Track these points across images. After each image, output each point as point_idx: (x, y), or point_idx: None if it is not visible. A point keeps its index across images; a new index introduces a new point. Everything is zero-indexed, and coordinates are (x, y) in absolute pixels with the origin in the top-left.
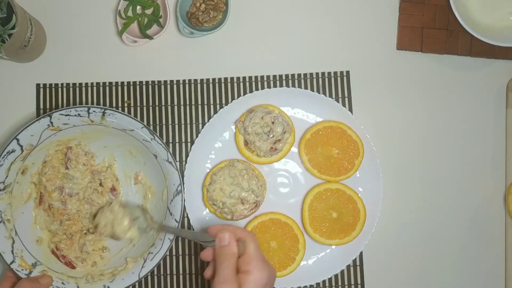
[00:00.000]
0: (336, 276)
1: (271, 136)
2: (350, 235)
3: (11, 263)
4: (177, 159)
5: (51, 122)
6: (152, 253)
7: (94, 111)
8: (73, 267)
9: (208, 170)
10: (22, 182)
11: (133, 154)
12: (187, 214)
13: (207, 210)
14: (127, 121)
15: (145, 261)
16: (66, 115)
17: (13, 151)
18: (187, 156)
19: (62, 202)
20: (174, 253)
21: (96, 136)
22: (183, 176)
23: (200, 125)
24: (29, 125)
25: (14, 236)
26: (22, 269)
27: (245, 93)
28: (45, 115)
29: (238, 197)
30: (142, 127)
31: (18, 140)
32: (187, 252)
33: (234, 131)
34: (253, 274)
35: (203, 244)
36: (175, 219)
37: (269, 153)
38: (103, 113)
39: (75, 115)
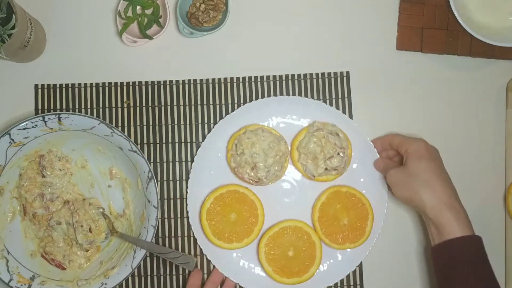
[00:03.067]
0: None
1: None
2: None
3: (9, 281)
4: (177, 159)
5: (12, 139)
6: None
7: (49, 119)
8: (64, 269)
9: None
10: (1, 203)
11: (101, 150)
12: (186, 210)
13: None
14: (84, 120)
15: (135, 252)
16: (23, 128)
17: None
18: (186, 156)
19: (45, 208)
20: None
21: (61, 142)
22: (188, 178)
23: (200, 125)
24: None
25: (7, 256)
26: (22, 285)
27: (244, 94)
28: (3, 133)
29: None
30: (99, 123)
31: None
32: (186, 253)
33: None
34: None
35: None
36: (153, 205)
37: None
38: (59, 119)
39: (32, 127)
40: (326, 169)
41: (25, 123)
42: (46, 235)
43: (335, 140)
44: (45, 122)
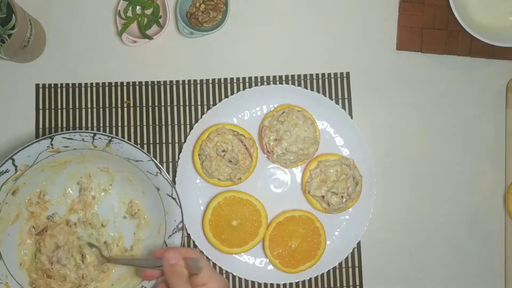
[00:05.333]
0: (334, 277)
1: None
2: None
3: None
4: (176, 160)
5: (52, 144)
6: (145, 287)
7: (99, 138)
8: None
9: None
10: (11, 202)
11: (132, 181)
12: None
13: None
14: (134, 152)
15: None
16: (69, 138)
17: (6, 171)
18: None
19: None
20: None
21: (96, 160)
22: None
23: None
24: (27, 146)
25: None
26: None
27: None
28: (46, 136)
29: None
30: (149, 160)
31: (13, 160)
32: None
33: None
34: (211, 285)
35: (154, 269)
36: None
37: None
38: (109, 141)
39: (79, 140)
40: (322, 196)
41: (73, 134)
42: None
43: (351, 185)
44: (94, 139)
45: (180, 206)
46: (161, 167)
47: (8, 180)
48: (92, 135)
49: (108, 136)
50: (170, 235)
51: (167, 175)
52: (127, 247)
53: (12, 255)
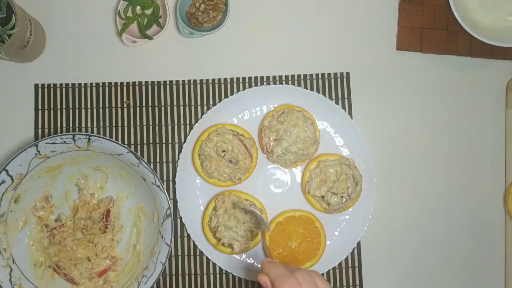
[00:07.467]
0: (334, 277)
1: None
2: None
3: None
4: (176, 160)
5: (38, 151)
6: (146, 276)
7: (79, 138)
8: (76, 284)
9: None
10: (15, 210)
11: (123, 176)
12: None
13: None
14: (113, 146)
15: (139, 284)
16: (52, 143)
17: (3, 182)
18: None
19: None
20: (174, 253)
21: (85, 160)
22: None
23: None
24: (16, 156)
25: (11, 264)
26: None
27: None
28: (31, 144)
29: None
30: (127, 152)
31: (7, 171)
32: (186, 253)
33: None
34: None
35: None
36: (166, 243)
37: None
38: (88, 139)
39: (61, 143)
40: (322, 196)
41: (54, 138)
42: (59, 251)
43: (351, 185)
44: (74, 140)
45: (165, 193)
46: (140, 157)
47: (7, 189)
48: (71, 136)
49: (86, 135)
50: (162, 223)
51: (147, 164)
52: (132, 239)
53: (24, 258)
